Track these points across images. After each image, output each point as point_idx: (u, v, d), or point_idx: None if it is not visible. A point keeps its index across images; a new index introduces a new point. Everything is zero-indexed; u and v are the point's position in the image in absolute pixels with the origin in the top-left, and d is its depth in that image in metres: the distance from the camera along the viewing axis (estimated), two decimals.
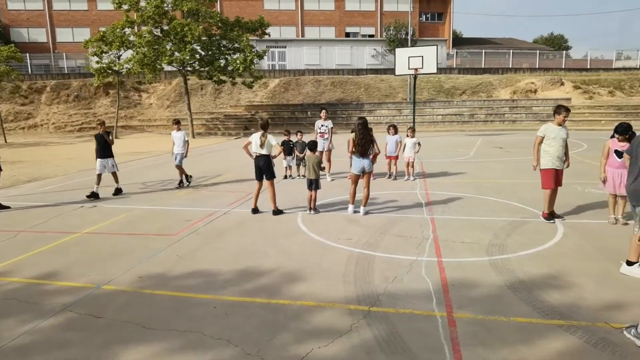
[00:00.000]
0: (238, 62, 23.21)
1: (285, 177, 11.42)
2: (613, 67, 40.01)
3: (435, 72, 22.12)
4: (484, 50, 40.13)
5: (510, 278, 4.84)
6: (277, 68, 37.85)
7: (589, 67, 39.48)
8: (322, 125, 10.95)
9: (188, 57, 22.76)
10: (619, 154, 6.40)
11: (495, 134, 24.15)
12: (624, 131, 6.38)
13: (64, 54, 36.32)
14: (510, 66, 39.21)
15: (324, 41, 40.20)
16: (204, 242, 6.27)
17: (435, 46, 21.02)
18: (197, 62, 24.02)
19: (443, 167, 12.49)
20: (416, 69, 20.69)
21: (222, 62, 24.60)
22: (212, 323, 3.95)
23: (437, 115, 28.93)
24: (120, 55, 24.33)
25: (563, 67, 39.25)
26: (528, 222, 6.97)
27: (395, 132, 11.01)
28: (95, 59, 23.97)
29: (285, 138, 11.49)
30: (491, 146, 18.10)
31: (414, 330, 3.75)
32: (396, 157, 10.99)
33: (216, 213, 7.88)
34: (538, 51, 41.18)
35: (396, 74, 21.84)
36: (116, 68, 24.51)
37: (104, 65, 23.95)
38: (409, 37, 32.31)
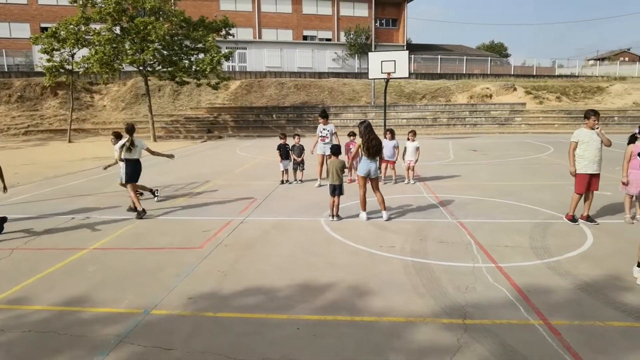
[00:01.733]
0: (205, 62, 22.30)
1: (282, 182, 10.99)
2: (556, 74, 42.80)
3: (407, 76, 22.47)
4: (439, 57, 41.50)
5: (575, 281, 4.81)
6: (237, 70, 36.94)
7: (535, 74, 41.93)
8: (323, 129, 10.62)
9: (151, 57, 21.55)
10: None
11: (460, 137, 24.91)
12: None
13: (3, 50, 33.29)
14: (464, 72, 40.82)
15: (285, 43, 39.85)
16: (238, 254, 5.77)
17: (407, 51, 21.36)
18: (159, 63, 22.81)
19: (434, 171, 12.57)
20: (389, 73, 20.88)
21: (186, 62, 23.57)
22: (305, 347, 3.56)
23: (402, 119, 29.42)
24: (74, 53, 22.59)
25: (512, 73, 41.40)
26: (552, 223, 7.07)
27: (392, 137, 10.91)
28: (46, 56, 22.06)
29: (281, 142, 11.06)
30: (465, 149, 18.58)
31: (524, 342, 3.58)
32: (394, 162, 10.92)
33: (233, 222, 7.35)
34: (490, 58, 43.18)
35: (369, 77, 21.94)
36: (70, 67, 22.72)
37: (56, 64, 22.12)
38: (372, 43, 32.70)
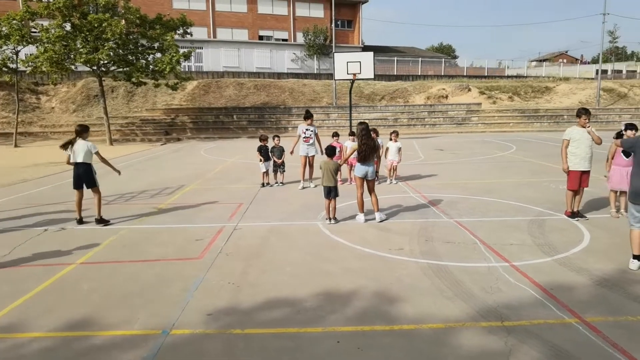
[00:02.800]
0: (164, 62, 21.35)
1: (263, 184, 10.65)
2: (506, 74, 44.86)
3: (373, 77, 22.64)
4: (395, 58, 42.28)
5: (590, 276, 4.91)
6: (193, 70, 35.78)
7: (486, 74, 43.73)
8: (306, 130, 10.37)
9: (106, 56, 20.34)
10: (627, 154, 6.96)
11: (422, 137, 25.43)
12: (633, 126, 6.98)
13: None
14: (419, 73, 41.86)
15: (243, 43, 39.10)
16: (245, 264, 5.45)
17: (372, 52, 21.49)
18: (114, 62, 21.57)
19: (411, 170, 12.67)
20: (354, 74, 20.94)
21: (143, 62, 22.48)
22: None
23: (364, 119, 29.62)
24: (19, 51, 20.91)
25: (465, 74, 42.95)
26: (545, 220, 7.26)
27: (376, 136, 10.87)
28: None
29: (261, 143, 10.70)
30: (431, 149, 18.96)
31: (571, 342, 3.56)
32: (377, 161, 10.88)
33: (225, 229, 6.97)
34: (443, 59, 44.54)
35: (335, 78, 21.91)
36: (14, 66, 21.00)
37: None
38: (333, 44, 32.78)
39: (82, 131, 7.53)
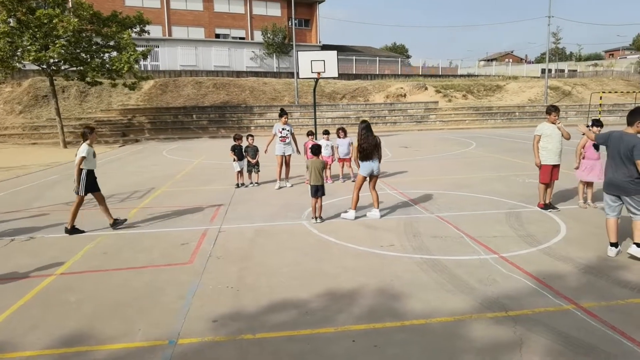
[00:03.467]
0: (122, 61, 20.45)
1: (238, 185, 10.44)
2: (458, 73, 46.46)
3: (337, 76, 22.75)
4: (354, 57, 42.75)
5: (575, 264, 5.17)
6: (149, 68, 34.54)
7: (440, 74, 45.11)
8: (282, 129, 10.25)
9: (58, 55, 19.20)
10: (597, 147, 7.40)
11: (384, 135, 25.84)
12: (599, 123, 7.43)
13: None
14: (377, 72, 42.57)
15: (200, 42, 38.18)
16: (238, 267, 5.31)
17: (335, 51, 21.59)
18: (66, 61, 20.41)
19: (382, 168, 12.80)
20: (319, 73, 20.96)
21: (98, 61, 21.43)
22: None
23: (327, 118, 29.76)
24: None
25: (420, 73, 44.08)
26: (521, 212, 7.57)
27: (345, 135, 10.97)
28: None
29: (235, 142, 10.50)
30: (397, 146, 19.31)
31: (575, 328, 3.73)
32: (349, 159, 10.96)
33: (210, 232, 6.77)
34: (400, 59, 45.51)
35: (300, 77, 21.83)
36: None
37: None
38: (294, 43, 32.65)
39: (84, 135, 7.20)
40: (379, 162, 7.46)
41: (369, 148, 7.17)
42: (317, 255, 5.66)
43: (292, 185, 10.36)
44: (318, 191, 7.19)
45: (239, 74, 36.64)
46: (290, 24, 47.59)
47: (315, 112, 23.31)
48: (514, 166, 12.66)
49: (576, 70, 51.88)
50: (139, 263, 5.54)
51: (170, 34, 40.59)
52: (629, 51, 72.61)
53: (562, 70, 51.94)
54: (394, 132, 27.07)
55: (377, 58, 43.74)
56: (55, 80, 22.05)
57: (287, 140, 10.24)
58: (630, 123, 5.06)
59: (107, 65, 21.53)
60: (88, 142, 7.11)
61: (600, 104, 28.11)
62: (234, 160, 10.40)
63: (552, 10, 34.93)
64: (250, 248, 6.02)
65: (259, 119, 29.92)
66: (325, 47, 52.13)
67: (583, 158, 7.73)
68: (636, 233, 5.19)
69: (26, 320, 4.11)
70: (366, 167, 7.26)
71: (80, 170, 6.95)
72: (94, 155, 7.23)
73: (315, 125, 22.51)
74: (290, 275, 5.05)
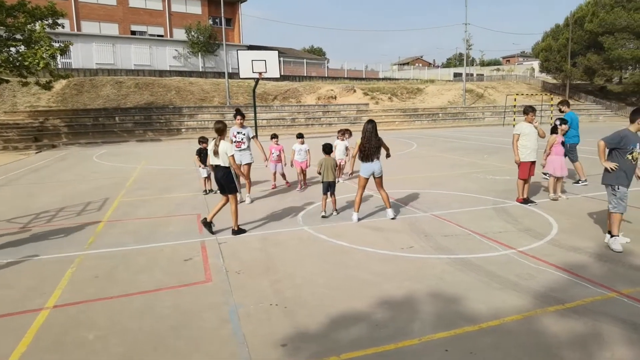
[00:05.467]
0: (37, 57, 18.16)
1: (206, 191, 9.72)
2: (380, 77, 48.27)
3: (279, 77, 22.34)
4: (282, 59, 42.39)
5: (587, 253, 5.50)
6: (59, 66, 31.17)
7: (364, 77, 46.51)
8: (237, 133, 8.75)
9: None
10: (564, 144, 8.01)
11: (321, 136, 25.97)
12: (565, 121, 8.05)
13: None
14: (305, 74, 42.73)
15: (118, 38, 35.32)
16: (266, 281, 4.87)
17: (277, 51, 21.21)
18: None
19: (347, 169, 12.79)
20: (260, 73, 20.46)
21: (4, 55, 18.88)
22: None
23: (261, 120, 29.17)
24: None
25: (346, 76, 45.09)
26: (506, 208, 7.93)
27: (344, 137, 11.14)
28: None
29: (200, 146, 9.76)
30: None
31: (632, 314, 3.91)
32: (343, 161, 11.14)
33: (209, 245, 6.17)
34: (326, 61, 46.10)
35: (240, 77, 21.11)
36: None
37: None
38: (223, 43, 31.54)
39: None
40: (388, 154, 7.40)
41: (370, 149, 7.06)
42: (342, 262, 5.40)
43: (252, 201, 8.83)
44: (330, 188, 7.36)
45: (161, 73, 34.61)
46: (211, 22, 46.16)
47: (255, 112, 22.73)
48: (466, 165, 13.34)
49: (483, 75, 56.61)
50: (146, 285, 4.84)
51: (79, 29, 37.11)
52: (522, 58, 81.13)
53: (471, 74, 56.37)
54: (330, 134, 27.28)
55: (305, 60, 43.90)
56: None
57: (243, 146, 8.83)
58: (632, 121, 5.48)
59: (15, 61, 19.06)
60: None
61: (514, 105, 30.86)
62: (200, 166, 9.67)
63: (459, 19, 37.64)
64: (267, 259, 5.57)
65: (190, 121, 28.49)
66: (251, 48, 51.32)
67: (548, 155, 8.34)
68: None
69: None
70: (366, 168, 7.15)
71: None
72: None
73: (256, 126, 21.96)
74: (330, 285, 4.74)
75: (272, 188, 10.14)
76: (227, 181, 6.50)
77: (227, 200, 6.69)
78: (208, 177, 9.82)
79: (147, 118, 27.62)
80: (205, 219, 6.70)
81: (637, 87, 39.63)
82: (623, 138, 5.37)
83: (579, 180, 9.65)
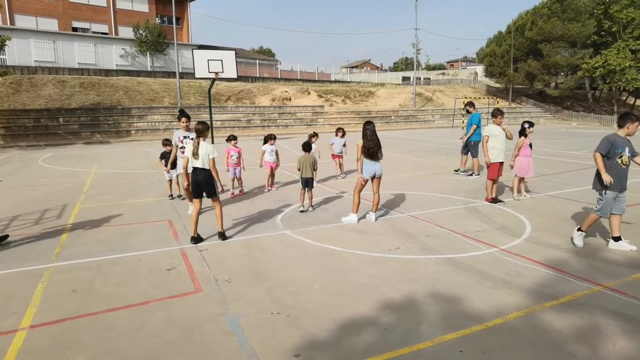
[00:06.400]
0: None
1: (172, 196, 9.28)
2: (332, 79, 48.70)
3: (236, 77, 21.87)
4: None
5: (567, 250, 5.77)
6: None
7: (316, 79, 46.72)
8: (184, 137, 7.95)
9: None
10: (531, 146, 8.42)
11: (282, 138, 25.76)
12: (532, 123, 8.46)
13: None
14: (258, 75, 42.27)
15: (59, 35, 33.13)
16: (261, 288, 4.71)
17: (234, 51, 20.80)
18: None
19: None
20: (217, 73, 19.96)
21: None
22: None
23: (216, 120, 28.46)
24: None
25: (298, 78, 45.09)
26: (477, 207, 8.20)
27: (343, 135, 11.55)
28: None
29: (165, 149, 9.33)
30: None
31: (623, 305, 4.15)
32: (342, 156, 11.60)
33: (190, 252, 5.88)
34: (279, 63, 45.85)
35: (196, 76, 20.46)
36: None
37: None
38: (175, 42, 30.46)
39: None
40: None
41: (374, 147, 7.08)
42: (333, 266, 5.33)
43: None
44: (308, 183, 7.71)
45: (108, 72, 32.91)
46: (159, 20, 44.51)
47: (211, 114, 22.16)
48: (426, 166, 13.71)
49: (430, 79, 58.66)
50: (132, 299, 4.52)
51: (12, 23, 34.50)
52: (465, 62, 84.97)
53: (419, 78, 58.22)
54: (287, 135, 27.13)
55: (257, 61, 43.42)
56: None
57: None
58: (621, 126, 5.72)
59: None
60: None
61: (463, 108, 32.13)
62: (167, 171, 9.22)
63: (407, 24, 38.86)
64: (255, 265, 5.39)
65: (139, 122, 27.30)
66: (202, 47, 50.00)
67: (516, 156, 8.73)
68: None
69: None
70: (369, 168, 7.15)
71: None
72: None
73: (212, 128, 21.37)
74: (327, 290, 4.65)
75: (231, 197, 9.31)
76: (208, 184, 6.23)
77: (200, 206, 6.38)
78: (171, 180, 9.36)
79: (94, 119, 26.14)
80: (192, 237, 6.32)
81: (571, 92, 42.71)
82: (612, 142, 5.55)
83: (466, 170, 11.37)
